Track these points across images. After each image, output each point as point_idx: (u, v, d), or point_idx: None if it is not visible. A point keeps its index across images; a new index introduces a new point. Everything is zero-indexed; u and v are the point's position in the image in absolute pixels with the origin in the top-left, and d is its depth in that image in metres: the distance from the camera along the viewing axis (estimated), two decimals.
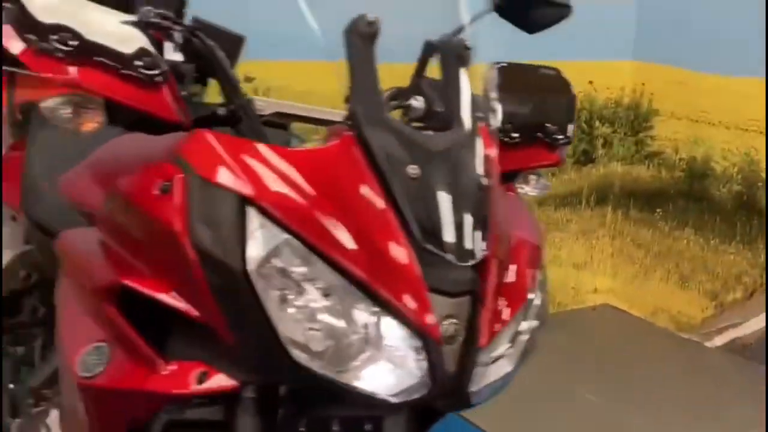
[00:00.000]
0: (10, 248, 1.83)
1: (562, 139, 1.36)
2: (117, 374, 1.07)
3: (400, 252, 0.94)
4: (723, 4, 3.41)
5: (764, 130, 3.40)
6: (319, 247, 0.94)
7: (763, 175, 3.45)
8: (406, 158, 0.96)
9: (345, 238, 0.94)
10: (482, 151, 1.05)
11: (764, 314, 3.50)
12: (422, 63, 1.22)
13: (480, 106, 1.12)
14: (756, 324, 3.55)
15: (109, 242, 1.09)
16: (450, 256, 0.96)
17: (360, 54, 1.02)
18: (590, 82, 3.76)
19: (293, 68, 3.16)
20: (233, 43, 1.94)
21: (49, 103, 1.09)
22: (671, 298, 3.79)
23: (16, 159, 1.73)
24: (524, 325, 1.08)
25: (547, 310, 1.14)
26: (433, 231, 0.95)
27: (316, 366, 0.93)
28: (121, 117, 1.12)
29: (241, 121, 1.21)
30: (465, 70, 1.11)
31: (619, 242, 3.99)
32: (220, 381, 1.01)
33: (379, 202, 0.95)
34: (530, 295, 1.10)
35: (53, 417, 1.48)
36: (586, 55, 3.55)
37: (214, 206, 0.93)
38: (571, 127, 1.36)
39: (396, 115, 1.20)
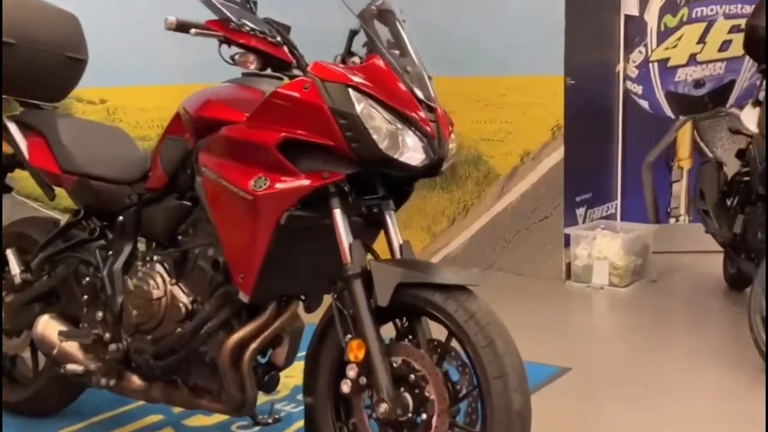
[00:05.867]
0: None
1: None
2: (275, 186, 1.90)
3: (412, 101, 1.90)
4: None
5: None
6: (384, 100, 1.88)
7: None
8: (401, 70, 1.92)
9: (389, 97, 1.88)
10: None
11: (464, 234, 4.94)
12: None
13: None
14: (456, 243, 5.04)
15: (261, 126, 1.94)
16: (428, 103, 1.93)
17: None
18: None
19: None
20: None
21: (242, 57, 2.03)
22: None
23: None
24: (454, 138, 2.03)
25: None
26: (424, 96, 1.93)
27: (390, 153, 1.85)
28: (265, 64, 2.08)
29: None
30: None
31: None
32: (335, 176, 1.87)
33: (404, 87, 1.91)
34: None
35: None
36: None
37: (333, 90, 1.86)
38: None
39: None
